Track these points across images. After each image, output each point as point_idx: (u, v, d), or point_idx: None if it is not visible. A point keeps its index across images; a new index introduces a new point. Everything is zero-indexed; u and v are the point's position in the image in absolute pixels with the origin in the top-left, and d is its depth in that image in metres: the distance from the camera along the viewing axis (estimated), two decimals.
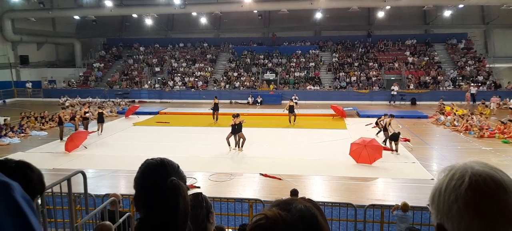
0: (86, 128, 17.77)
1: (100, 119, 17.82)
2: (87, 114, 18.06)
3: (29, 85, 33.61)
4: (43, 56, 38.30)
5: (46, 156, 13.91)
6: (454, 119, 19.19)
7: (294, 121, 19.53)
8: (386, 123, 14.62)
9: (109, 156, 13.90)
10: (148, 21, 34.24)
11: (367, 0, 29.83)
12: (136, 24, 38.09)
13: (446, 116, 20.37)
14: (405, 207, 6.77)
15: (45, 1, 31.02)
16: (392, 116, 15.03)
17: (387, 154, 13.21)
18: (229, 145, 14.17)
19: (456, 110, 21.62)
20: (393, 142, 13.73)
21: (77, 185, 5.09)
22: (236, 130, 14.10)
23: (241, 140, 14.24)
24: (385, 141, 14.40)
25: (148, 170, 1.36)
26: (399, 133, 13.80)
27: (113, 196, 5.66)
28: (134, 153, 13.65)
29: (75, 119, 18.43)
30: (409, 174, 11.49)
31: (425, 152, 14.34)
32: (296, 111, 19.99)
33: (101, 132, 17.82)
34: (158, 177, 1.32)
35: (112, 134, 17.74)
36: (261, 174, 11.30)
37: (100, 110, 18.12)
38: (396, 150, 13.67)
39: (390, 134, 13.99)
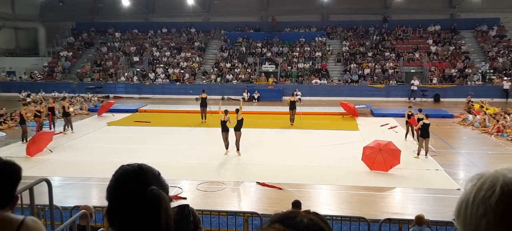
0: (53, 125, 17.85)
1: (65, 113, 17.99)
2: (70, 109, 18.17)
3: None
4: (0, 43, 38.06)
5: None
6: (485, 119, 19.29)
7: (293, 121, 19.45)
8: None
9: (79, 161, 13.85)
10: (125, 2, 34.09)
11: None
12: (111, 5, 37.92)
13: (475, 115, 20.47)
14: (419, 220, 6.79)
15: None
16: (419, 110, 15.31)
17: (405, 159, 13.21)
18: (227, 148, 14.19)
19: (487, 109, 21.73)
20: (424, 142, 13.56)
21: (41, 195, 5.06)
22: (235, 128, 14.08)
23: (236, 139, 14.19)
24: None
25: (123, 177, 1.36)
26: (429, 124, 13.56)
27: (83, 208, 5.64)
28: (108, 158, 13.60)
29: (50, 115, 18.47)
30: (431, 183, 11.55)
31: (450, 157, 14.42)
32: (298, 109, 19.94)
33: (71, 128, 18.08)
34: (136, 186, 1.32)
35: (83, 135, 17.72)
36: (258, 183, 11.32)
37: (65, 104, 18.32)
38: (418, 153, 13.67)
39: (419, 126, 13.79)
